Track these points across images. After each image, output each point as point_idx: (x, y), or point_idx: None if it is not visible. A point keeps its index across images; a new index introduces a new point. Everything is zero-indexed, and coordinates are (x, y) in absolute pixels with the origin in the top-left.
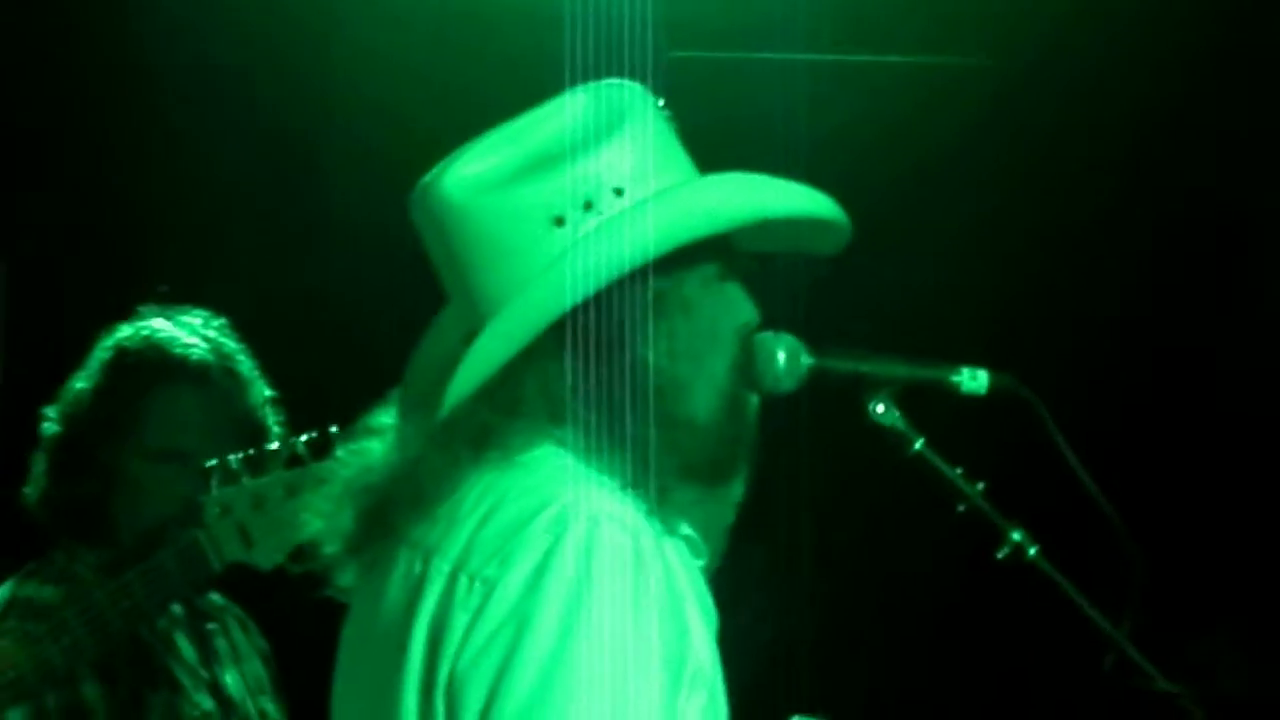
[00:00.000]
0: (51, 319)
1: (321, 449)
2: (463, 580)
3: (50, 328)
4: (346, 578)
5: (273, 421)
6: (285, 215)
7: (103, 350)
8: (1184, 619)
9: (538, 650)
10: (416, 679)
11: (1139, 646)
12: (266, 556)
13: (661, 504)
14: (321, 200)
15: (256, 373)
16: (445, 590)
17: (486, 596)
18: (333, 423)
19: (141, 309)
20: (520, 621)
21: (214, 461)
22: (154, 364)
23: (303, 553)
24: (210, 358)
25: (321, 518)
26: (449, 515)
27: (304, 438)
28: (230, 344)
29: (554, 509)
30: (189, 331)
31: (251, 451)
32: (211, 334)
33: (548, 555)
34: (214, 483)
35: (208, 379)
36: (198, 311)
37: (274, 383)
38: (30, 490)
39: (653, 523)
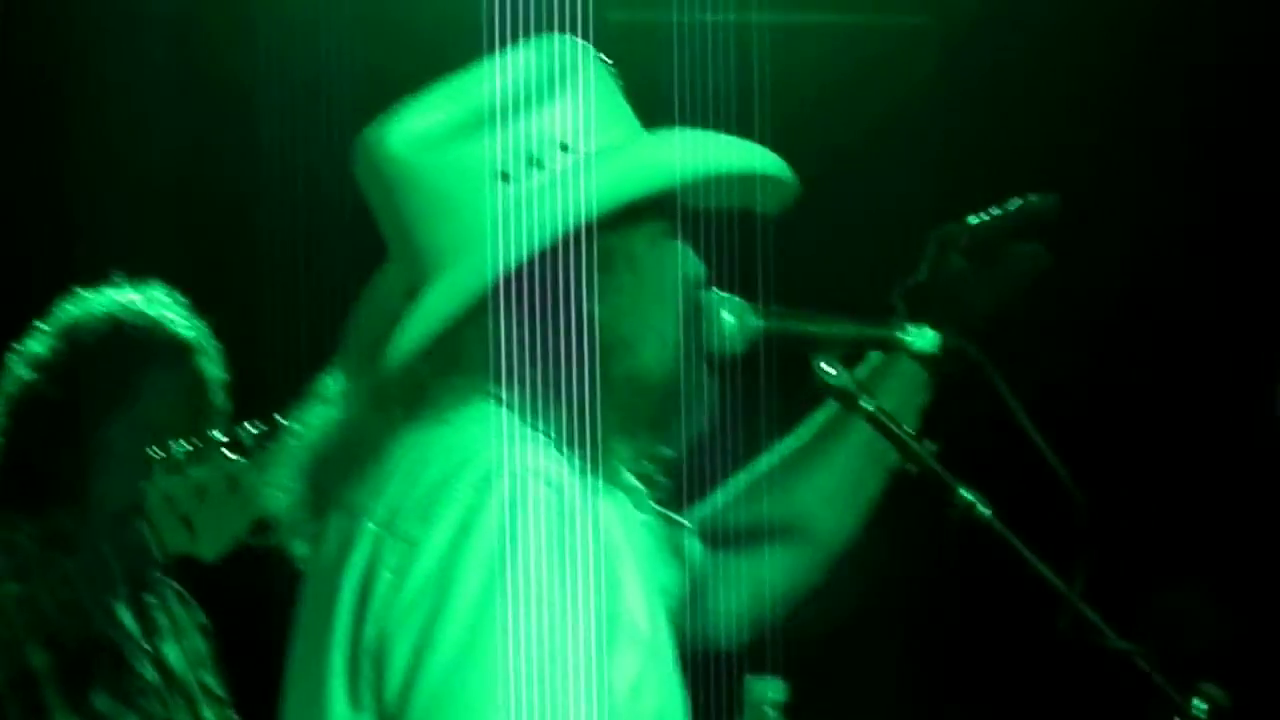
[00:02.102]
0: None
1: (267, 439)
2: (388, 541)
3: None
4: (301, 548)
5: (225, 403)
6: (217, 176)
7: (89, 319)
8: (1148, 578)
9: (462, 610)
10: (344, 643)
11: (1101, 607)
12: (210, 548)
13: (601, 460)
14: (256, 161)
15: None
16: (371, 552)
17: (410, 556)
18: (277, 410)
19: (112, 279)
20: (444, 581)
21: (158, 451)
22: (155, 340)
23: (260, 523)
24: (197, 338)
25: (280, 489)
26: (379, 477)
27: (250, 427)
28: (203, 326)
29: (479, 466)
30: (174, 311)
31: (196, 441)
32: (188, 315)
33: (471, 513)
34: (157, 472)
35: (194, 359)
36: (160, 287)
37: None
38: None
39: (590, 479)
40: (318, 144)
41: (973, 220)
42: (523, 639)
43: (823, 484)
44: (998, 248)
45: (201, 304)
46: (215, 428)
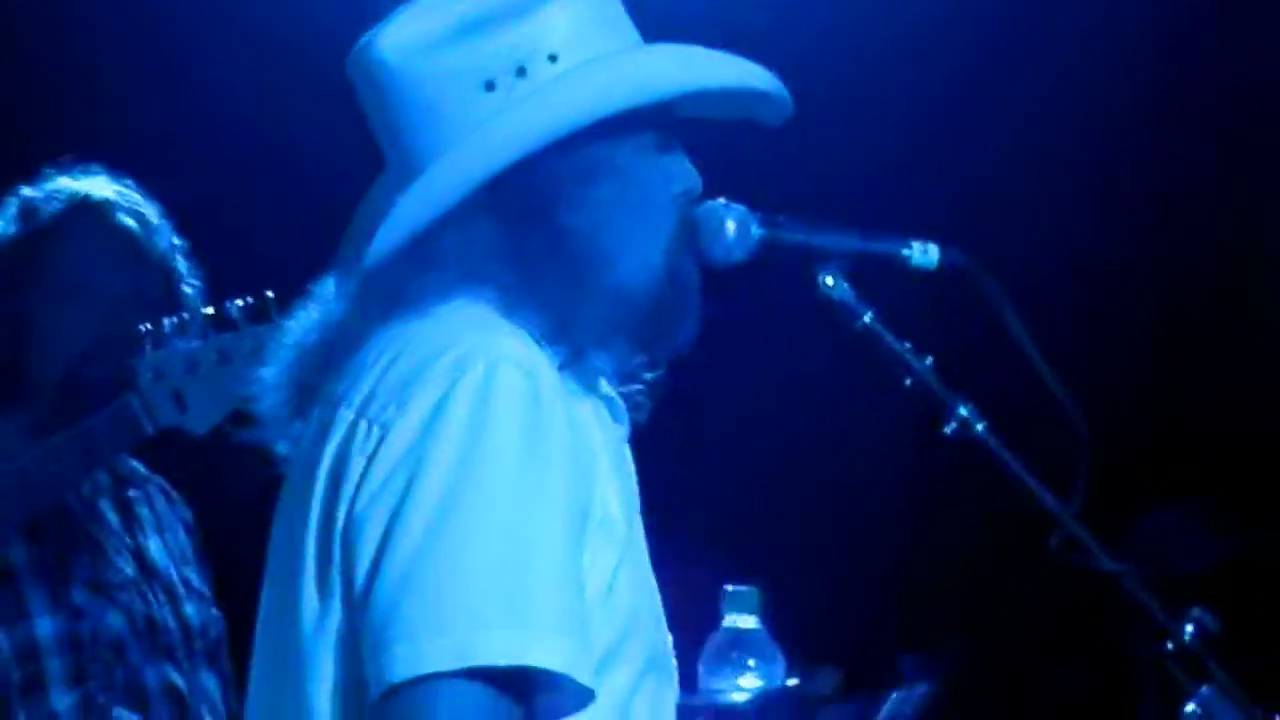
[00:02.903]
0: None
1: (257, 314)
2: (361, 425)
3: None
4: (282, 442)
5: (185, 268)
6: (227, 82)
7: (7, 205)
8: (1140, 498)
9: (431, 494)
10: (317, 529)
11: (1091, 526)
12: (200, 421)
13: (577, 363)
14: (261, 65)
15: (162, 219)
16: (345, 437)
17: (382, 440)
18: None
19: (45, 171)
20: (414, 465)
21: (147, 326)
22: (56, 205)
23: (239, 417)
24: (112, 196)
25: (262, 384)
26: (356, 367)
27: (239, 302)
28: (133, 192)
29: (454, 353)
30: (90, 179)
31: (185, 315)
32: (114, 182)
33: (444, 398)
34: (147, 346)
35: (109, 214)
36: (99, 169)
37: (221, 252)
38: None
39: (568, 380)
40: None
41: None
42: (493, 524)
43: None
44: None
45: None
46: (160, 284)
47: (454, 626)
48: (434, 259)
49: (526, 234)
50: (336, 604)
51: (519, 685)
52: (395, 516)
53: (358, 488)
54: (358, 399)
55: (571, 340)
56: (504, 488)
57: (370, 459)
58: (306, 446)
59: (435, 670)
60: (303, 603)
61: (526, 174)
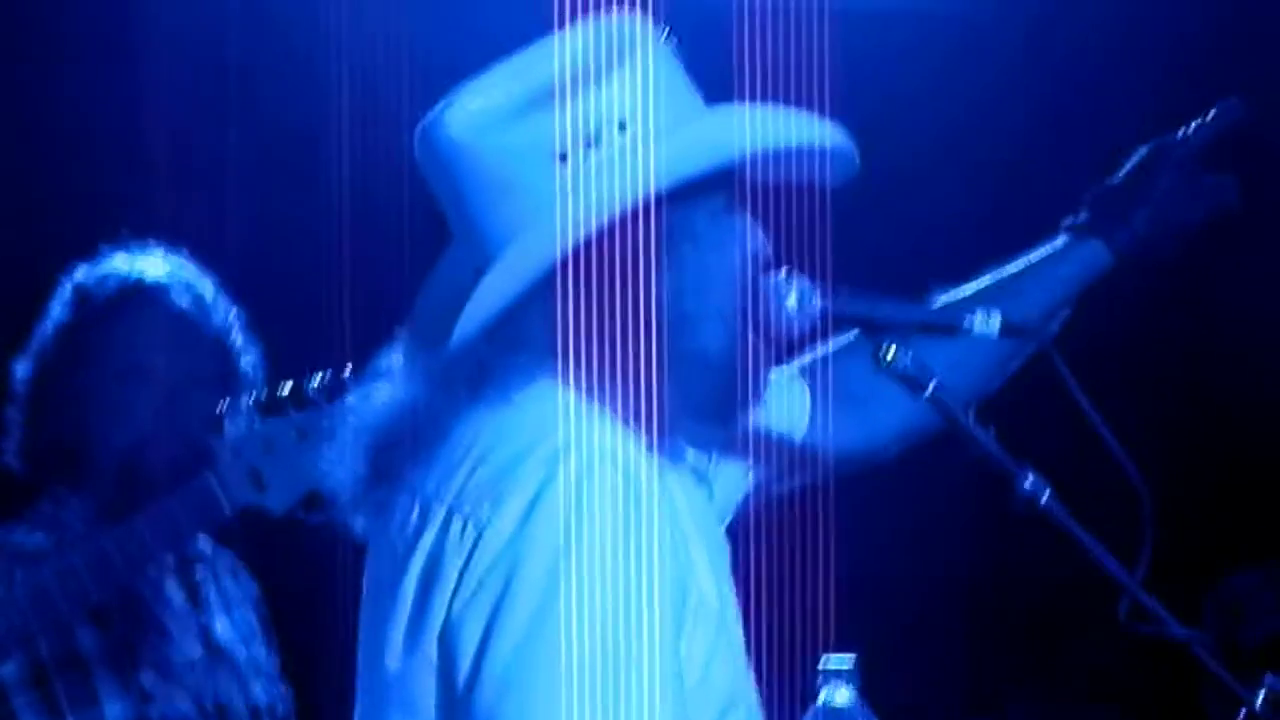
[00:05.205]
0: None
1: (334, 391)
2: (456, 522)
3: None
4: (359, 524)
5: (243, 341)
6: (279, 159)
7: (63, 290)
8: (1211, 565)
9: (528, 596)
10: (407, 623)
11: (1162, 592)
12: (278, 500)
13: (665, 437)
14: (316, 142)
15: (219, 294)
16: (439, 533)
17: (478, 539)
18: (345, 365)
19: (102, 249)
20: (510, 566)
21: (224, 403)
22: (112, 289)
23: (316, 498)
24: (166, 278)
25: (334, 464)
26: (446, 457)
27: (316, 379)
28: (189, 269)
29: (545, 448)
30: (145, 260)
31: (263, 394)
32: (169, 261)
33: (537, 496)
34: (225, 425)
35: (162, 297)
36: (154, 245)
37: (280, 329)
38: (7, 443)
39: (655, 457)
40: (381, 127)
41: (1181, 134)
42: (591, 622)
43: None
44: (1198, 170)
45: (262, 279)
46: (218, 362)
47: None
48: (520, 339)
49: (610, 305)
50: (432, 706)
51: None
52: (493, 620)
53: (455, 587)
54: (448, 495)
55: (659, 413)
56: (602, 590)
57: (466, 558)
58: (394, 536)
59: None
60: (396, 697)
61: (604, 244)
